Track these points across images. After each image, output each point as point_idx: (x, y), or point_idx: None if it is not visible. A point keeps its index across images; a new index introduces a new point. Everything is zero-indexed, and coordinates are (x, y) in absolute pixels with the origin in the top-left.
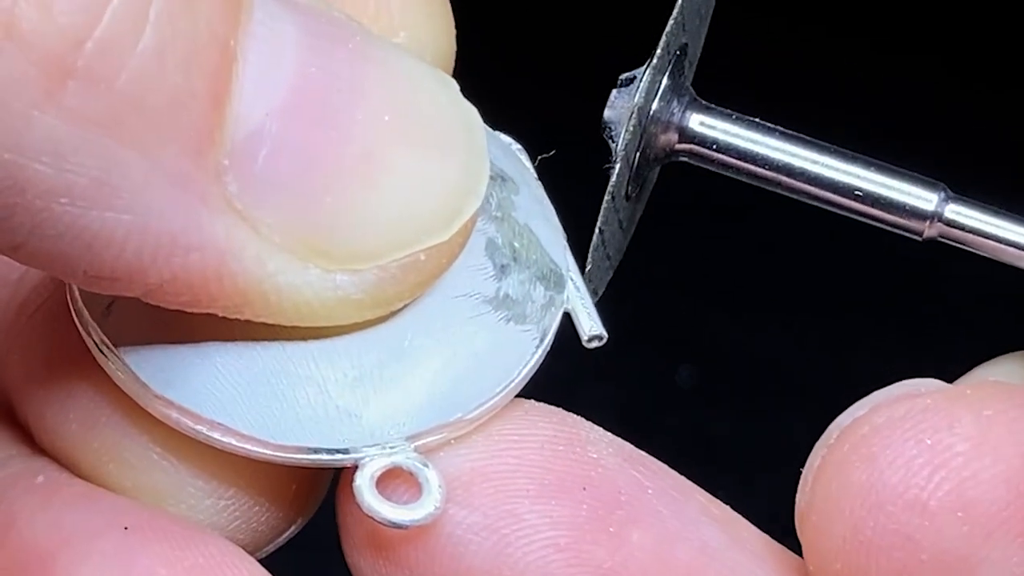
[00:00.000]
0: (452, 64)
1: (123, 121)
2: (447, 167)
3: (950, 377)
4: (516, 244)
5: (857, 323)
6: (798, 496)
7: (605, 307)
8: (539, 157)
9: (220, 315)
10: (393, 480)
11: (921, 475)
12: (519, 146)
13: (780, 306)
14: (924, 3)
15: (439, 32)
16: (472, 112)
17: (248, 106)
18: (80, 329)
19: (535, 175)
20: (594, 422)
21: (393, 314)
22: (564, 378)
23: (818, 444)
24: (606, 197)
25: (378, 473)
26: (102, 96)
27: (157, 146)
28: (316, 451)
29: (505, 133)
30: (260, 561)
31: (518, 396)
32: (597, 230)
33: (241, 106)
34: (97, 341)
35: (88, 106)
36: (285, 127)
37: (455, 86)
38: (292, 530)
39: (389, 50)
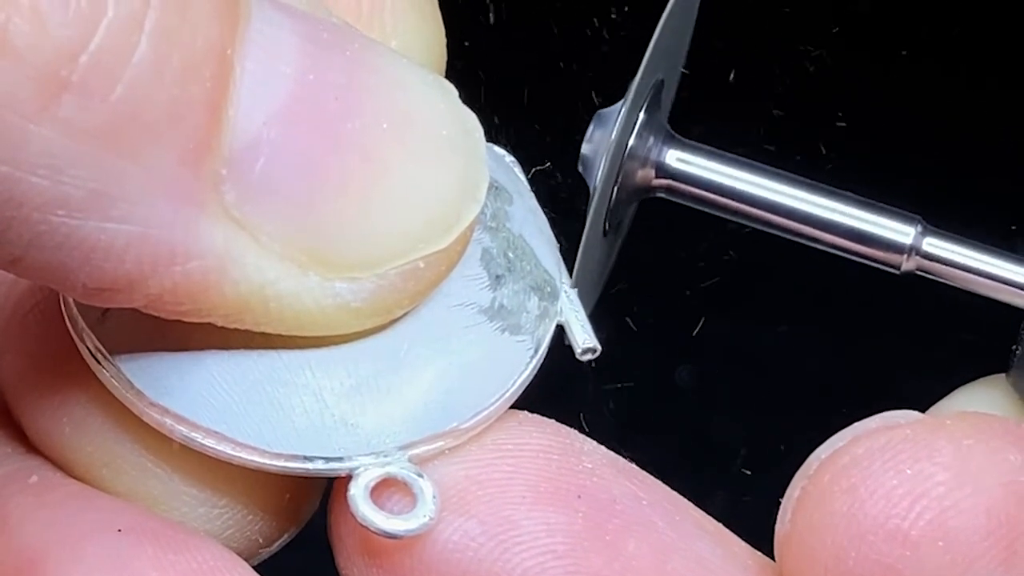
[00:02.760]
0: (443, 72)
1: (119, 133)
2: (446, 174)
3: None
4: (511, 254)
5: (857, 323)
6: (777, 526)
7: (604, 306)
8: (533, 169)
9: (219, 324)
10: (388, 490)
11: (902, 505)
12: (512, 158)
13: (780, 306)
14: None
15: (431, 41)
16: (471, 118)
17: (245, 115)
18: (74, 336)
19: (528, 187)
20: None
21: (390, 323)
22: (564, 378)
23: (797, 475)
24: (584, 235)
25: (372, 483)
26: (98, 109)
27: (154, 157)
28: (311, 459)
29: (498, 145)
30: (254, 569)
31: (512, 407)
32: (576, 268)
33: (238, 115)
34: (91, 348)
35: (84, 119)
36: (283, 135)
37: (454, 92)
38: (285, 538)
39: (387, 57)
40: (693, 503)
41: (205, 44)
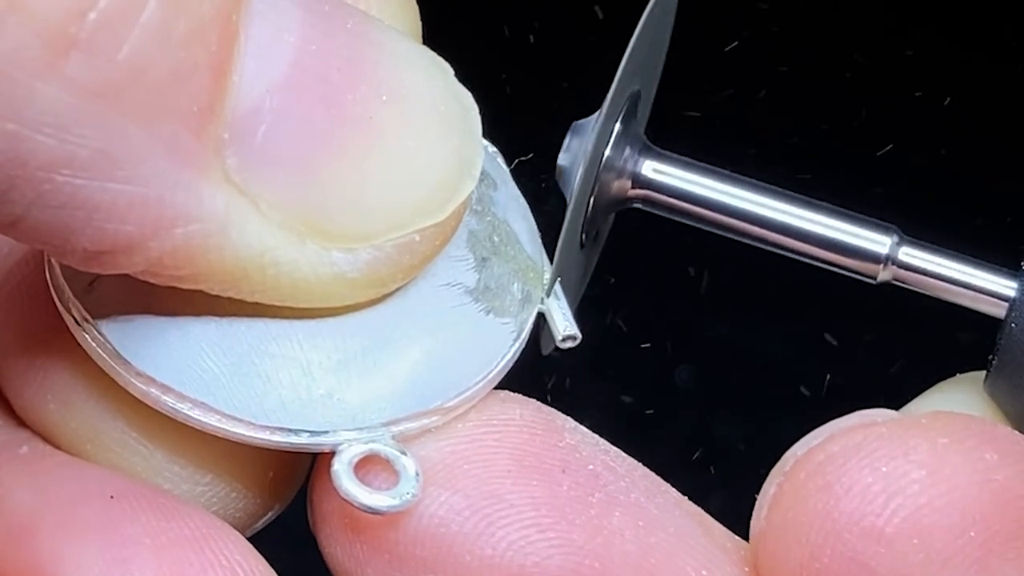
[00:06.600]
0: None
1: (125, 93)
2: (443, 148)
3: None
4: (496, 238)
5: (856, 323)
6: (752, 522)
7: (604, 307)
8: (516, 159)
9: (214, 292)
10: (371, 466)
11: (877, 502)
12: (495, 149)
13: (780, 306)
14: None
15: (411, 29)
16: (467, 96)
17: (249, 81)
18: (60, 306)
19: (510, 176)
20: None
21: (378, 299)
22: (563, 377)
23: (773, 472)
24: (559, 246)
25: (356, 459)
26: (104, 68)
27: (158, 118)
28: (297, 433)
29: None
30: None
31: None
32: (550, 278)
33: (242, 81)
34: (78, 317)
35: (90, 77)
36: (285, 103)
37: (450, 70)
38: (269, 516)
39: (387, 32)
40: (693, 502)
41: (211, 9)
